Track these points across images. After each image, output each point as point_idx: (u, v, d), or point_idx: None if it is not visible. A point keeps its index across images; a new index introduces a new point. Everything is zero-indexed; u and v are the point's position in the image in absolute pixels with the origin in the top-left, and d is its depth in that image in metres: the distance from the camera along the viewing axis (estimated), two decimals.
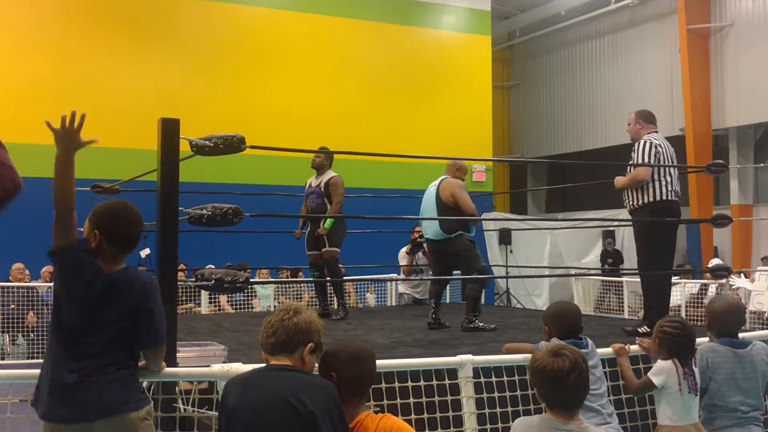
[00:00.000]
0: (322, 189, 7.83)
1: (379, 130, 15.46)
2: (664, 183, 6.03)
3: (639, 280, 6.67)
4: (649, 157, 6.02)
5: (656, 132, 6.31)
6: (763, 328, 6.58)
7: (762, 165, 16.98)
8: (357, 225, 9.81)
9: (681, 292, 10.92)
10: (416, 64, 16.60)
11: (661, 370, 3.95)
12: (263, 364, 2.93)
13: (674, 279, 9.05)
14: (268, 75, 15.12)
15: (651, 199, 6.03)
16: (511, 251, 15.37)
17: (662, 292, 6.16)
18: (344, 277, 9.29)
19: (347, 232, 7.96)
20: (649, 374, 4.00)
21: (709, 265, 11.98)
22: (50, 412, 2.87)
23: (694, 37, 17.82)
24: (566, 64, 22.30)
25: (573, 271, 14.58)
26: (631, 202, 6.20)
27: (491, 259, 15.80)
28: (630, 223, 6.69)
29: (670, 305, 6.56)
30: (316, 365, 3.00)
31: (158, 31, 14.44)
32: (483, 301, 11.81)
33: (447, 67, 17.02)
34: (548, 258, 16.73)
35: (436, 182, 6.99)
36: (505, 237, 15.56)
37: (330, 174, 7.90)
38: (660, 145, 6.09)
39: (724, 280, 10.24)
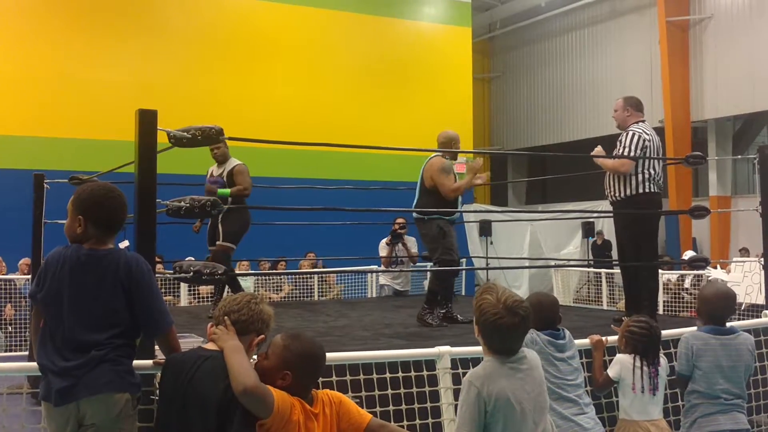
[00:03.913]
0: (225, 178, 7.19)
1: (359, 121, 15.43)
2: (647, 175, 5.97)
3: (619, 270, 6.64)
4: (635, 151, 5.94)
5: (644, 121, 6.22)
6: (738, 319, 6.64)
7: (740, 157, 17.11)
8: (337, 217, 9.80)
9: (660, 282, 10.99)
10: (396, 56, 16.57)
11: (616, 362, 4.02)
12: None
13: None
14: (248, 66, 15.04)
15: (633, 191, 5.97)
16: (491, 243, 15.44)
17: (651, 288, 6.13)
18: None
19: (252, 224, 7.28)
20: (607, 369, 4.06)
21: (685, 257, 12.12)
22: (46, 391, 2.86)
23: (673, 30, 17.93)
24: (546, 56, 22.36)
25: (553, 263, 14.65)
26: (613, 194, 6.12)
27: (471, 250, 15.85)
28: (610, 214, 6.66)
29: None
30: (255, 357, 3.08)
31: (136, 22, 14.30)
32: (463, 293, 11.83)
33: (427, 58, 17.00)
34: (528, 249, 16.81)
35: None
36: (485, 228, 15.62)
37: (234, 162, 7.29)
38: (648, 140, 6.00)
39: (702, 271, 10.30)
